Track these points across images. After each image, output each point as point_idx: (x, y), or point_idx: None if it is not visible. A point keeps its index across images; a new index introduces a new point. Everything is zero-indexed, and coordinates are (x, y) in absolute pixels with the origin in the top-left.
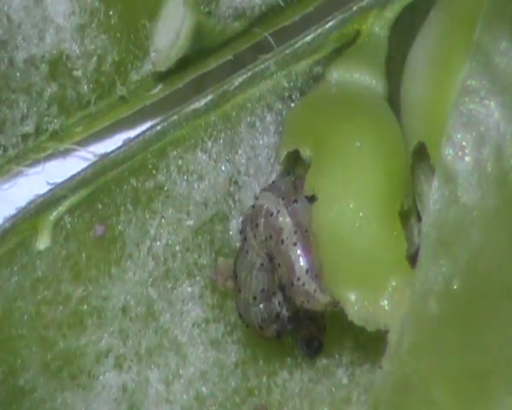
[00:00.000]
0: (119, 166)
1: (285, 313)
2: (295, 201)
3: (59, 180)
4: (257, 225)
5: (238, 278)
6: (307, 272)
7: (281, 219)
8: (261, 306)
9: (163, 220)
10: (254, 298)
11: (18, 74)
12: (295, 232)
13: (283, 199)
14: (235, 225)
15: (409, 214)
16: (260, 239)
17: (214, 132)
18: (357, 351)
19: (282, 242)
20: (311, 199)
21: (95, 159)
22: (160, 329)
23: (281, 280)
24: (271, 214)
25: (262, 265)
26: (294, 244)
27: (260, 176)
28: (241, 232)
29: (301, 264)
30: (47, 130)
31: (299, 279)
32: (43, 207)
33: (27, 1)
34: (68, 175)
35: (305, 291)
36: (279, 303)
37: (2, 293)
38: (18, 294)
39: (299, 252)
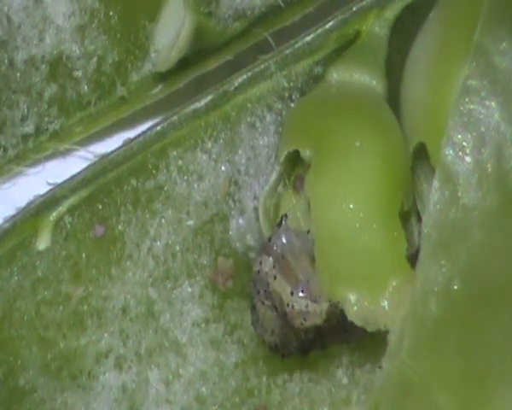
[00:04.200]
0: (119, 166)
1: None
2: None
3: (59, 180)
4: (258, 292)
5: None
6: (292, 294)
7: (277, 287)
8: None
9: (163, 220)
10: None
11: (18, 75)
12: (274, 267)
13: (274, 268)
14: (235, 225)
15: (409, 214)
16: (269, 304)
17: (214, 133)
18: (357, 351)
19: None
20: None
21: (95, 159)
22: (160, 329)
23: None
24: (268, 285)
25: (273, 331)
26: (275, 278)
27: (260, 176)
28: (248, 296)
29: (286, 290)
30: (47, 130)
31: (288, 305)
32: (43, 207)
33: (27, 2)
34: (68, 175)
35: (298, 311)
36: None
37: (2, 293)
38: (18, 294)
39: (280, 282)
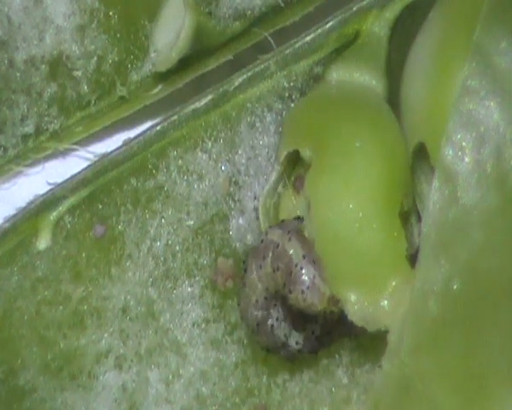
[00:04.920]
0: (119, 166)
1: (295, 345)
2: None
3: (59, 180)
4: (264, 258)
5: (240, 304)
6: (304, 257)
7: (288, 247)
8: (264, 336)
9: (163, 220)
10: (252, 331)
11: (18, 75)
12: (288, 232)
13: (289, 233)
14: (235, 225)
15: (409, 214)
16: (266, 271)
17: (214, 132)
18: (357, 351)
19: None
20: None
21: (95, 159)
22: (160, 329)
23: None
24: (277, 246)
25: (257, 301)
26: (289, 240)
27: (260, 176)
28: (243, 262)
29: (298, 251)
30: (47, 130)
31: (296, 265)
32: (43, 207)
33: (27, 2)
34: (68, 175)
35: (304, 277)
36: (285, 335)
37: (2, 293)
38: (18, 294)
39: (294, 243)
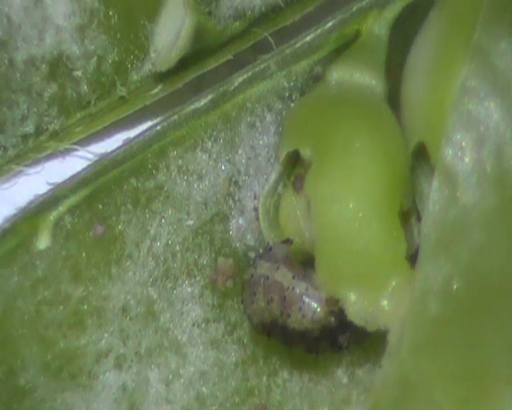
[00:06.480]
0: (119, 166)
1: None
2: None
3: (59, 180)
4: (255, 293)
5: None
6: (294, 277)
7: (277, 277)
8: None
9: (163, 220)
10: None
11: (18, 75)
12: (276, 262)
13: (276, 262)
14: (235, 225)
15: (409, 214)
16: (259, 306)
17: (214, 132)
18: (357, 351)
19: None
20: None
21: (95, 159)
22: (160, 329)
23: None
24: (267, 278)
25: (257, 327)
26: (277, 269)
27: (260, 176)
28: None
29: (287, 276)
30: (47, 130)
31: (288, 288)
32: (43, 207)
33: (27, 1)
34: (68, 175)
35: (298, 294)
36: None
37: (2, 293)
38: (18, 294)
39: (282, 271)
